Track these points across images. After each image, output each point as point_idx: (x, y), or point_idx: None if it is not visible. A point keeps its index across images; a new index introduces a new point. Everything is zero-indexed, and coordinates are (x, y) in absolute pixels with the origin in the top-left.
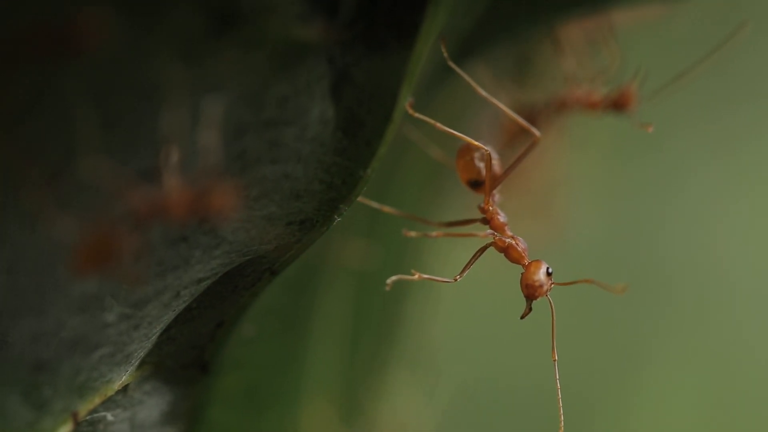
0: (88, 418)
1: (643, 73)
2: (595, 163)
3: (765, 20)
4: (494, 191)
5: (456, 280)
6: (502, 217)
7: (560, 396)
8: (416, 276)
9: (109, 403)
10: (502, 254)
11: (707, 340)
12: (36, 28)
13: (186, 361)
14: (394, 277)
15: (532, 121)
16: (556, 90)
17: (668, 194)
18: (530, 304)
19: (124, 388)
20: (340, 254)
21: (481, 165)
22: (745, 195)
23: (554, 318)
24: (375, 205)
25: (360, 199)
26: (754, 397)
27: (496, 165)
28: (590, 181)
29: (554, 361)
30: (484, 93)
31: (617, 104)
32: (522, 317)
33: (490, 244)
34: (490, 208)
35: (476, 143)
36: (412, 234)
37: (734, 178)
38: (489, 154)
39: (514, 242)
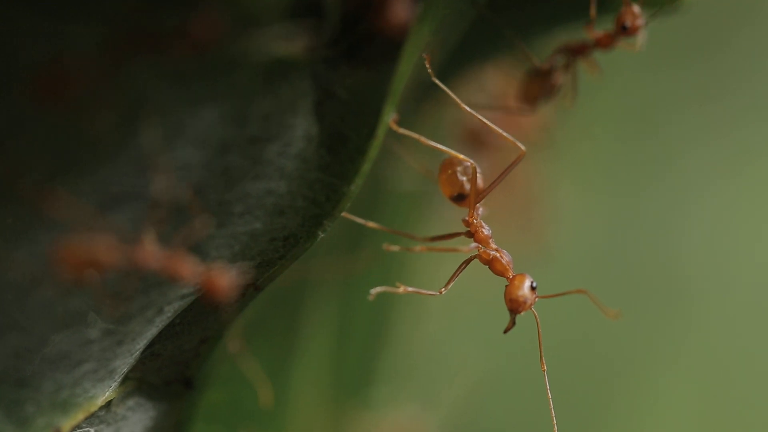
0: None
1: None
2: (580, 174)
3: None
4: (478, 204)
5: (441, 292)
6: (486, 230)
7: (552, 406)
8: (401, 288)
9: (92, 419)
10: (487, 267)
11: (698, 348)
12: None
13: (170, 376)
14: (378, 288)
15: (548, 84)
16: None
17: (656, 202)
18: (514, 318)
19: (108, 404)
20: (324, 270)
21: (464, 179)
22: (745, 197)
23: (540, 329)
24: (359, 220)
25: (344, 214)
26: (748, 402)
27: (481, 178)
28: (575, 192)
29: (544, 371)
30: (468, 109)
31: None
32: (505, 331)
33: (475, 257)
34: (474, 222)
35: (460, 156)
36: (394, 248)
37: (722, 181)
38: (474, 167)
39: (498, 255)
